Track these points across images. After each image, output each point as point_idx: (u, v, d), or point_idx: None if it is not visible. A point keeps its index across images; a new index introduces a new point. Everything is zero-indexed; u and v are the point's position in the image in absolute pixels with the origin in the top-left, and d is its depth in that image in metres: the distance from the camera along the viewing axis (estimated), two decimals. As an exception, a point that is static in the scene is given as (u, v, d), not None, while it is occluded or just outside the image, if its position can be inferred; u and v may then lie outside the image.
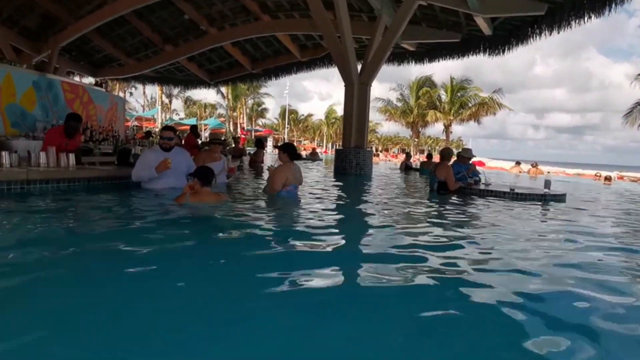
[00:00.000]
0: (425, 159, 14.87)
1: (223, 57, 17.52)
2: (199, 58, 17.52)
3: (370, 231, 3.83)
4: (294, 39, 15.45)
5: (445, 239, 3.48)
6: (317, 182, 8.20)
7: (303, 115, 68.27)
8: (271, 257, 2.71)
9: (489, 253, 3.11)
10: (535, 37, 9.15)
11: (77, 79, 14.27)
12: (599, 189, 11.35)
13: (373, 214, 4.74)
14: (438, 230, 3.86)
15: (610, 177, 14.70)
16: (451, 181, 6.58)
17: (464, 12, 10.16)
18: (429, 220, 4.51)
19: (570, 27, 8.06)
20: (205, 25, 14.88)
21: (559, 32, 8.37)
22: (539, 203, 5.98)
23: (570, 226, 4.43)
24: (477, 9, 8.26)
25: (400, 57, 14.00)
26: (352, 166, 9.93)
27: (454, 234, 3.74)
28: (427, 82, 34.76)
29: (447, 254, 2.93)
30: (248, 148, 21.41)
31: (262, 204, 4.86)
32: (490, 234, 3.79)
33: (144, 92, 47.47)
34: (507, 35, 10.02)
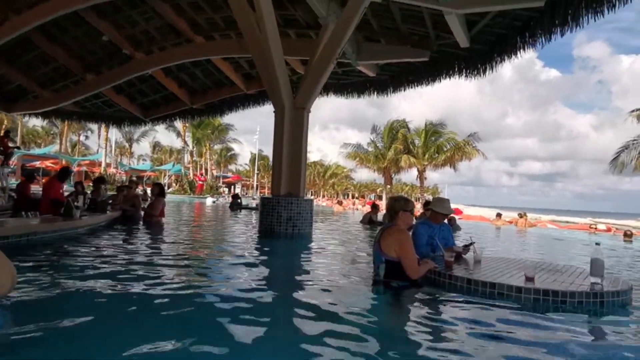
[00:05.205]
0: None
1: (157, 90, 14.89)
2: (128, 90, 14.85)
3: None
4: (237, 67, 12.99)
5: None
6: (218, 255, 5.21)
7: (275, 161, 65.76)
8: None
9: None
10: (527, 47, 6.73)
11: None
12: (624, 252, 8.68)
13: None
14: None
15: (631, 233, 12.18)
16: (411, 262, 3.40)
17: (432, 23, 7.80)
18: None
19: (579, 26, 5.64)
20: (128, 48, 12.35)
21: (562, 35, 5.92)
22: (586, 316, 2.93)
23: None
24: (451, 3, 5.82)
25: (359, 87, 11.57)
26: (281, 222, 6.92)
27: None
28: (402, 125, 32.92)
29: None
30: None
31: None
32: None
33: (99, 135, 44.12)
34: (488, 49, 7.60)
